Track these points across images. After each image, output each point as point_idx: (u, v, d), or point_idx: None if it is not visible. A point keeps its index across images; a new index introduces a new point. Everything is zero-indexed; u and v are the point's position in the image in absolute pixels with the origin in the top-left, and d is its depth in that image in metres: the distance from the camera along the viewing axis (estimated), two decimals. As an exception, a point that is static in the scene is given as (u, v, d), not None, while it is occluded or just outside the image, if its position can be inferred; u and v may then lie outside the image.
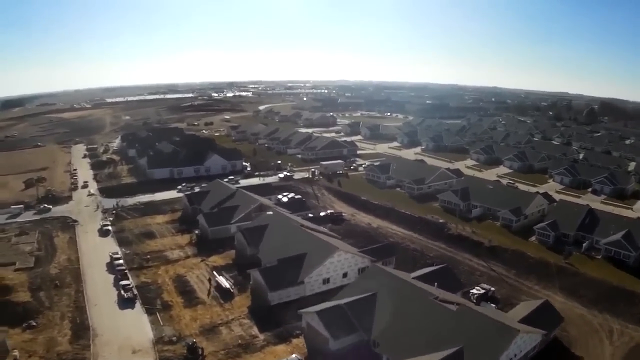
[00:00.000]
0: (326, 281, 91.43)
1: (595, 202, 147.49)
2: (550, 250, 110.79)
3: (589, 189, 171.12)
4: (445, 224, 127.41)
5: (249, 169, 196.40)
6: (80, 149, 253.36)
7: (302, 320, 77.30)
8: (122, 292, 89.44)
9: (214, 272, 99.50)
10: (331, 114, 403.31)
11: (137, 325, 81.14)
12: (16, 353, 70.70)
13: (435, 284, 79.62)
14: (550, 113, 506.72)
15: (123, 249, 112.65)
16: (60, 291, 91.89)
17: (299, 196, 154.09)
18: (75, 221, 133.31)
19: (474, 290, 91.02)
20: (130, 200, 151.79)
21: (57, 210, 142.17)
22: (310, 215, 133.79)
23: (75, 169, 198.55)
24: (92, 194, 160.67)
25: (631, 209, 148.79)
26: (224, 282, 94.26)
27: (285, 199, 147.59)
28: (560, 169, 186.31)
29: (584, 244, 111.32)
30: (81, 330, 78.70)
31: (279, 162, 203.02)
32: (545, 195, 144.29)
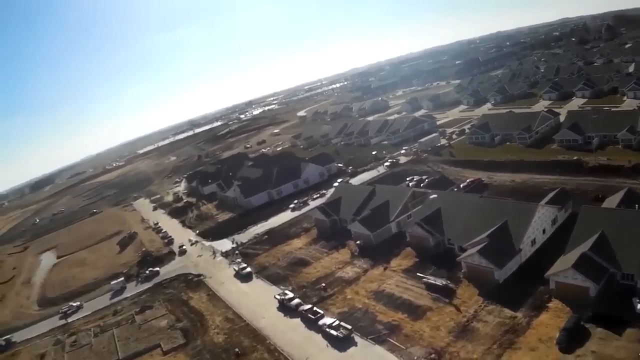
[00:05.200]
0: (533, 242, 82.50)
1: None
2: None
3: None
4: (580, 159, 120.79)
5: (350, 168, 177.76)
6: (144, 203, 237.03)
7: (550, 282, 69.38)
8: (331, 331, 71.71)
9: (418, 274, 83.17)
10: (381, 98, 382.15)
11: (378, 362, 62.88)
12: None
13: None
14: (573, 39, 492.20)
15: (282, 287, 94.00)
16: (248, 359, 73.77)
17: (425, 176, 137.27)
18: (200, 275, 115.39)
19: None
20: (245, 236, 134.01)
21: (167, 271, 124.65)
22: (455, 189, 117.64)
23: (156, 223, 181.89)
24: (195, 242, 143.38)
25: None
26: (437, 280, 78.49)
27: (411, 184, 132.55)
28: (631, 84, 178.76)
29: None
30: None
31: (374, 152, 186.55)
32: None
